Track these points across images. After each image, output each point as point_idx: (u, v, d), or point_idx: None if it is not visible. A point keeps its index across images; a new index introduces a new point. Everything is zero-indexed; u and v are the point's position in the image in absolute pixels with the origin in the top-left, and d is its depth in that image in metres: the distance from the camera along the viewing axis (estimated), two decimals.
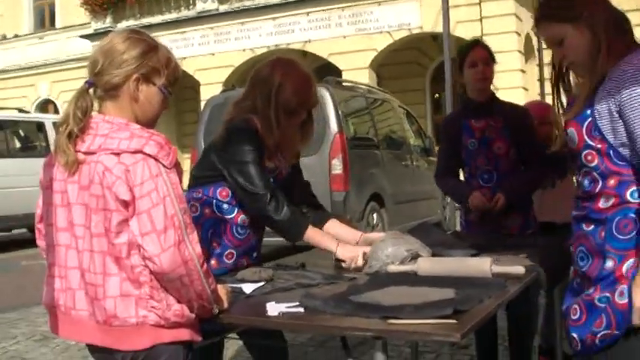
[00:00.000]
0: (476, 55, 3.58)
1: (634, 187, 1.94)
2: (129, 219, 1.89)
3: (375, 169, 8.93)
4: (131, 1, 21.25)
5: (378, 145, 9.30)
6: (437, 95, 20.17)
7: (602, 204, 1.99)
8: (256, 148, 2.69)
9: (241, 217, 2.77)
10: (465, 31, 15.28)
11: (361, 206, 8.33)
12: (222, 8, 20.07)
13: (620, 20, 2.08)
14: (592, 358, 2.01)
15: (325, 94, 8.09)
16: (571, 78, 2.20)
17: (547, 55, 17.63)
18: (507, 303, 2.25)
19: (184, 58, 19.41)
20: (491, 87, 3.70)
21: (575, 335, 2.03)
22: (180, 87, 20.81)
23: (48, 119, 12.57)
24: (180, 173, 1.99)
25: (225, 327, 2.34)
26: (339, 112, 8.18)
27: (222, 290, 2.09)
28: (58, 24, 25.73)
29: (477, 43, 3.70)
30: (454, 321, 1.81)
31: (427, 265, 2.47)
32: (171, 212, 1.89)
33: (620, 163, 1.95)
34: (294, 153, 2.97)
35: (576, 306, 2.05)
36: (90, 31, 22.01)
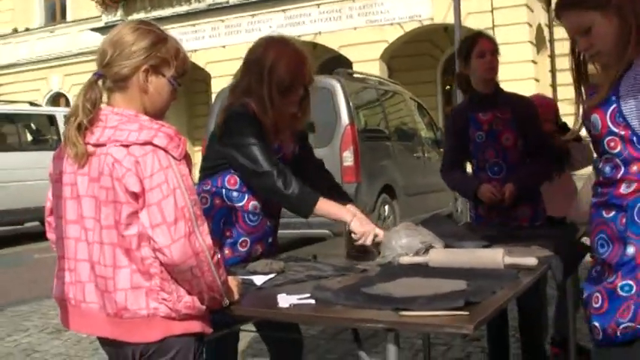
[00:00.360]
0: (484, 46, 3.55)
1: None
2: (139, 211, 1.88)
3: (386, 161, 8.91)
4: None
5: (389, 137, 9.28)
6: (448, 87, 20.10)
7: (623, 189, 1.96)
8: (256, 130, 2.66)
9: (252, 204, 2.76)
10: (476, 23, 15.19)
11: (372, 198, 8.31)
12: (233, 0, 20.07)
13: None
14: (611, 351, 1.96)
15: (336, 86, 8.08)
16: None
17: (559, 47, 17.60)
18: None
19: (195, 50, 19.43)
20: (502, 78, 3.67)
21: (597, 324, 1.98)
22: (191, 80, 20.91)
23: (59, 112, 12.51)
24: (190, 165, 1.98)
25: (236, 319, 2.33)
26: (350, 104, 8.16)
27: (232, 282, 2.08)
28: (69, 17, 25.78)
29: (482, 35, 3.68)
30: (466, 313, 1.80)
31: (439, 256, 2.46)
32: (182, 204, 1.88)
33: None
34: (295, 131, 2.91)
35: (597, 294, 2.00)
36: (101, 24, 22.04)
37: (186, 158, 1.96)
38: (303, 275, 2.40)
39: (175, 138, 1.94)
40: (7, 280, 8.33)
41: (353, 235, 2.68)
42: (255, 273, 2.44)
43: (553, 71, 18.03)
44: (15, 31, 26.52)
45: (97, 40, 21.07)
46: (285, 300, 2.03)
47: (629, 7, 1.96)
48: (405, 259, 2.49)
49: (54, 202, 2.09)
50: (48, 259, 8.64)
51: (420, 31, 18.34)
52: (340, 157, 7.91)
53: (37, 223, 11.96)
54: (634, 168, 1.94)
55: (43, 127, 12.87)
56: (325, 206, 2.67)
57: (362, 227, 2.66)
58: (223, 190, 2.75)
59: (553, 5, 2.23)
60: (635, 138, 1.93)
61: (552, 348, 4.19)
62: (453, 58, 8.76)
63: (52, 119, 12.44)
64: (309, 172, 2.94)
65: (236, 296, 2.08)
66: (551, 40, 18.25)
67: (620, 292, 1.93)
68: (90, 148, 1.94)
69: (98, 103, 1.98)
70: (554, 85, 17.94)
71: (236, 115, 2.71)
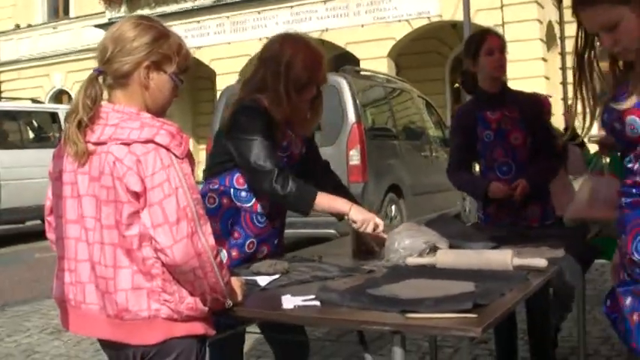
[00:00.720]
0: (492, 43, 3.50)
1: None
2: (140, 211, 1.85)
3: (393, 160, 8.87)
4: None
5: (396, 136, 9.23)
6: (456, 85, 20.01)
7: None
8: (264, 126, 2.63)
9: (261, 204, 2.73)
10: (486, 19, 15.11)
11: (379, 198, 8.26)
12: None
13: None
14: None
15: (343, 84, 8.03)
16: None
17: (569, 44, 17.49)
18: None
19: (200, 47, 19.37)
20: (512, 75, 3.63)
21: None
22: (195, 77, 20.88)
23: (62, 109, 12.46)
24: (192, 163, 1.95)
25: (239, 320, 2.30)
26: (357, 102, 8.12)
27: (236, 283, 2.05)
28: (72, 13, 25.66)
29: (490, 31, 3.64)
30: (474, 315, 1.77)
31: (446, 257, 2.43)
32: (184, 203, 1.85)
33: None
34: (305, 130, 2.90)
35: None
36: (105, 20, 21.91)
37: (189, 156, 1.93)
38: (309, 276, 2.37)
39: (177, 136, 1.90)
40: (8, 279, 8.30)
41: (353, 223, 2.65)
42: (259, 274, 2.41)
43: (563, 69, 17.91)
44: (17, 27, 26.37)
45: (101, 37, 21.00)
46: (289, 301, 2.00)
47: None
48: (411, 260, 2.45)
49: (54, 201, 2.06)
50: (49, 258, 8.60)
51: (428, 28, 18.25)
52: (347, 156, 7.86)
53: (38, 221, 11.92)
54: None
55: (45, 124, 12.81)
56: (324, 201, 2.65)
57: (362, 215, 2.64)
58: (231, 190, 2.71)
59: (564, 2, 2.15)
60: None
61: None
62: None
63: (54, 117, 12.39)
64: (315, 173, 2.92)
65: (239, 297, 2.04)
66: (562, 38, 18.11)
67: None
68: (90, 147, 1.91)
69: (98, 99, 1.95)
70: (564, 83, 17.84)
71: (246, 109, 2.68)
